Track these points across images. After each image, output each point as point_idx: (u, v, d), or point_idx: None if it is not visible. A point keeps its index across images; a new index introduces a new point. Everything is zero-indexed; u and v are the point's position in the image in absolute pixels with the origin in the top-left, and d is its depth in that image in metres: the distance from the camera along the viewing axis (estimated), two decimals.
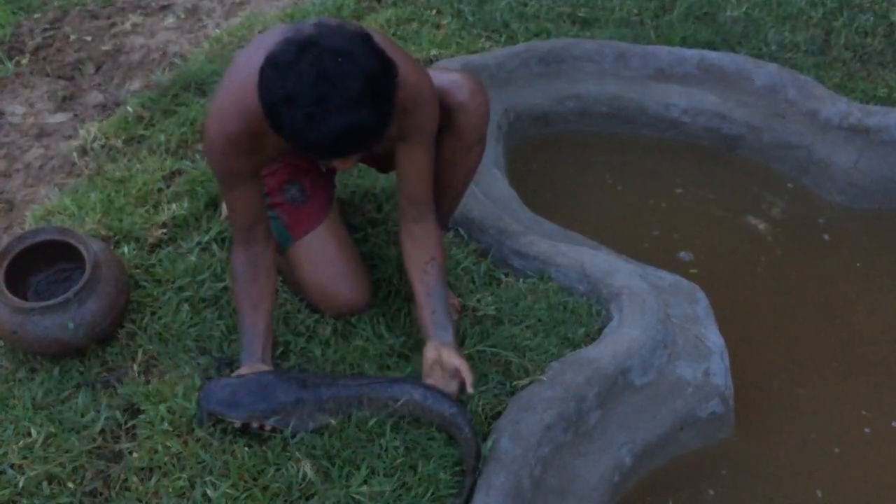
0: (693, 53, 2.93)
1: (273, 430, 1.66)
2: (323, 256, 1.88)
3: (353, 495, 1.58)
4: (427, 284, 1.74)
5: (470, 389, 1.67)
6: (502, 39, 3.01)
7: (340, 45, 1.37)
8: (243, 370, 1.70)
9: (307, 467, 1.61)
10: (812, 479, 1.93)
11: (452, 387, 1.70)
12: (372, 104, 1.38)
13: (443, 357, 1.69)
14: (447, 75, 1.82)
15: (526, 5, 3.20)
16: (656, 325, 1.90)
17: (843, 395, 2.12)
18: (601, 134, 2.88)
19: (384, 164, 1.99)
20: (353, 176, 2.33)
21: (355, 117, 1.37)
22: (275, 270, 1.78)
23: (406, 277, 1.79)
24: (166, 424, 1.67)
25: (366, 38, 1.42)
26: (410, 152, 1.71)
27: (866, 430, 2.04)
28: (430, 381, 1.70)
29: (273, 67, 1.38)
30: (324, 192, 1.95)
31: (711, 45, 3.05)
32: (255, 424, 1.64)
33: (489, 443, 1.64)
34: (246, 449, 1.64)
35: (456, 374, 1.69)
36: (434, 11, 3.13)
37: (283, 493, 1.59)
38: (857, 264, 2.50)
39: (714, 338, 1.99)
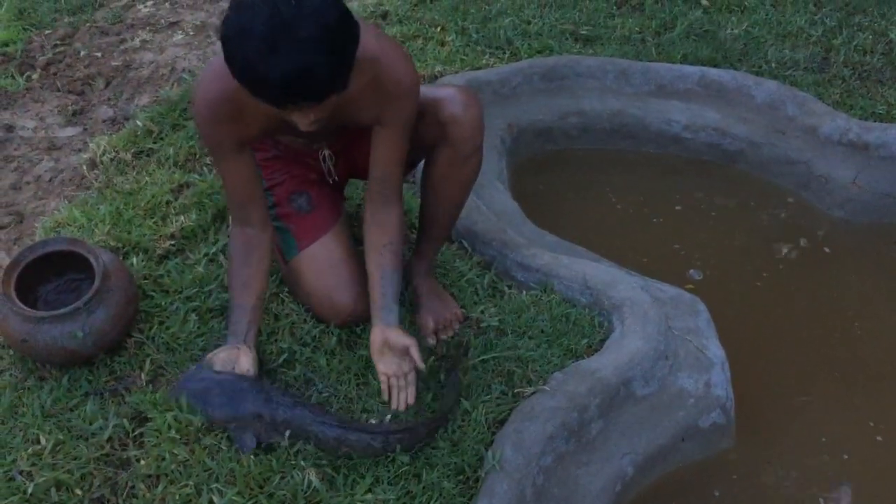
0: (694, 70, 2.96)
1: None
2: (327, 265, 1.91)
3: (358, 503, 1.60)
4: (381, 266, 1.76)
5: (420, 365, 1.70)
6: (506, 56, 3.05)
7: None
8: (222, 351, 1.72)
9: (312, 475, 1.63)
10: (813, 490, 1.95)
11: (406, 367, 1.74)
12: (323, 51, 1.38)
13: (390, 339, 1.71)
14: (441, 89, 1.85)
15: (529, 23, 3.24)
16: (658, 337, 1.92)
17: (844, 407, 2.14)
18: (603, 149, 2.91)
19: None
20: (360, 189, 2.36)
21: (303, 60, 1.37)
22: (269, 255, 1.81)
23: (365, 259, 1.81)
24: (173, 432, 1.69)
25: None
26: (388, 135, 1.73)
27: (878, 438, 2.06)
28: (381, 366, 1.73)
29: (234, 8, 1.40)
30: (332, 203, 1.98)
31: (712, 63, 3.09)
32: (222, 427, 1.67)
33: (493, 452, 1.67)
34: (252, 457, 1.66)
35: (405, 352, 1.72)
36: (439, 28, 3.17)
37: (289, 500, 1.60)
38: (857, 277, 2.52)
39: (715, 349, 2.00)
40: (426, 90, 1.80)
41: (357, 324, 1.94)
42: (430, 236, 1.99)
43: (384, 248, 1.78)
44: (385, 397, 1.76)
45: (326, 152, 1.92)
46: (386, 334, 1.72)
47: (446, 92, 1.83)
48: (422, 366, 1.71)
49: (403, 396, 1.75)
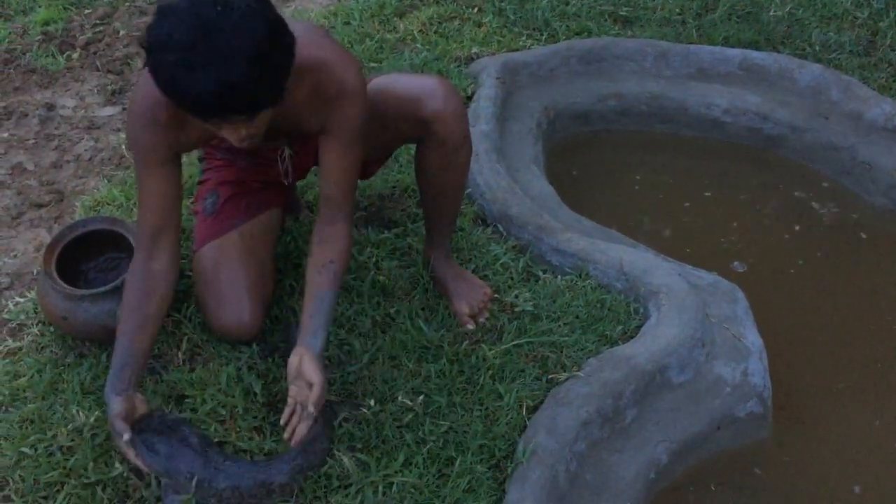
0: (735, 53, 2.91)
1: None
2: (212, 274, 1.81)
3: (390, 482, 1.61)
4: (317, 285, 1.65)
5: (310, 410, 1.54)
6: (543, 38, 3.02)
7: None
8: (117, 405, 1.55)
9: (345, 459, 1.64)
10: (851, 478, 1.92)
11: (313, 396, 1.56)
12: (246, 65, 1.31)
13: (303, 367, 1.58)
14: (417, 81, 1.77)
15: (567, 4, 3.20)
16: (694, 324, 1.90)
17: (886, 400, 2.10)
18: (641, 133, 2.87)
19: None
20: (394, 171, 2.35)
21: (225, 74, 1.30)
22: (171, 297, 1.66)
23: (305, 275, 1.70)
24: (210, 411, 1.71)
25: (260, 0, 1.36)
26: (333, 147, 1.64)
27: None
28: (293, 388, 1.58)
29: (158, 14, 1.33)
30: (240, 208, 1.88)
31: (754, 45, 3.03)
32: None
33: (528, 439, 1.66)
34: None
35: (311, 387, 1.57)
36: (475, 9, 3.14)
37: (322, 482, 1.62)
38: None
39: (753, 338, 1.98)
40: (395, 83, 1.74)
41: (239, 342, 1.84)
42: (439, 226, 1.96)
43: (324, 267, 1.66)
44: (283, 421, 1.58)
45: (287, 151, 1.82)
46: (302, 361, 1.58)
47: (421, 87, 1.74)
48: (311, 410, 1.54)
49: (299, 428, 1.56)
